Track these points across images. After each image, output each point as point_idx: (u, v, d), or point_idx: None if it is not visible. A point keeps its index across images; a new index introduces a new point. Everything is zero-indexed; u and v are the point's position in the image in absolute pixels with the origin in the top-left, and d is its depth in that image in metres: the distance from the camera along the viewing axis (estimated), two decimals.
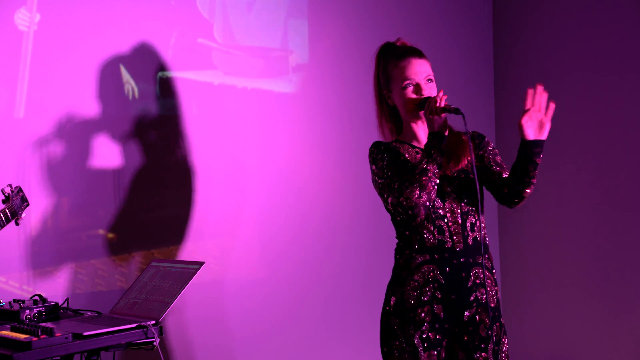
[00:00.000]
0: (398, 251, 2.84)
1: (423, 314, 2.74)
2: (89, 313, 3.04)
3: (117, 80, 3.59)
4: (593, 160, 4.55)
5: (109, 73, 3.56)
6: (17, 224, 2.98)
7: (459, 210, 2.79)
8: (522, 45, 4.87)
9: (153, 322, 2.80)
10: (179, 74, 3.77)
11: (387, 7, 4.52)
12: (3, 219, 2.89)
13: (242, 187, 3.96)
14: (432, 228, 2.76)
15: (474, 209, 2.81)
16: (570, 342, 4.67)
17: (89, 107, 3.50)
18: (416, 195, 2.66)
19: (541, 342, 4.80)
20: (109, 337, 2.69)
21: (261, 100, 4.05)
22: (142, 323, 2.78)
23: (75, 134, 3.46)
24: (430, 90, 2.81)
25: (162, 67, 3.72)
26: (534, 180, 2.79)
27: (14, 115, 3.34)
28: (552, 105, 2.81)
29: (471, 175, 2.82)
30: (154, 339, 2.78)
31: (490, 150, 2.93)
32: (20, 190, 3.03)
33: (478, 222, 2.81)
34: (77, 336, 2.63)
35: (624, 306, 4.42)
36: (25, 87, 3.36)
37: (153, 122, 3.68)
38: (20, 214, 2.99)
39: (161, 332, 2.80)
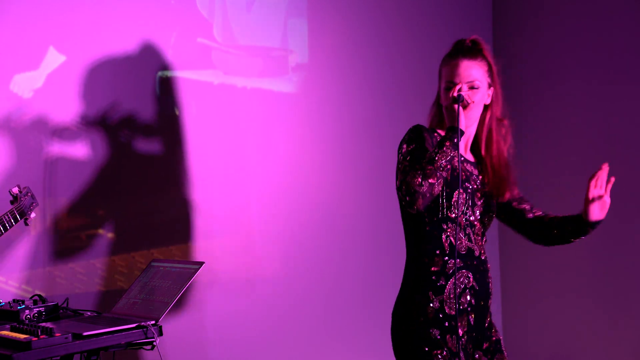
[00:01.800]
0: (425, 254, 2.72)
1: (462, 323, 2.69)
2: (89, 313, 3.04)
3: (117, 80, 3.59)
4: (593, 163, 4.54)
5: (108, 73, 3.56)
6: (26, 224, 3.01)
7: (480, 225, 2.78)
8: (522, 47, 4.86)
9: (153, 322, 2.80)
10: (179, 74, 3.77)
11: (387, 7, 4.52)
12: (11, 219, 2.91)
13: (242, 187, 3.96)
14: (463, 235, 2.71)
15: (486, 229, 2.82)
16: (570, 344, 4.67)
17: (89, 107, 3.50)
18: (417, 182, 2.56)
19: (541, 344, 4.80)
20: (108, 337, 2.69)
21: (261, 100, 4.05)
22: (142, 323, 2.78)
23: (75, 133, 3.46)
24: (471, 97, 2.69)
25: (162, 66, 3.72)
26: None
27: (13, 116, 3.34)
28: (612, 179, 2.82)
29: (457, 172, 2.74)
30: (153, 339, 2.78)
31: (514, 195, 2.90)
32: (29, 190, 3.05)
33: (486, 241, 2.82)
34: (77, 336, 2.63)
35: (624, 309, 4.42)
36: (24, 87, 3.36)
37: (152, 122, 3.68)
38: (29, 214, 3.01)
39: (161, 332, 2.80)
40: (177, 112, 3.76)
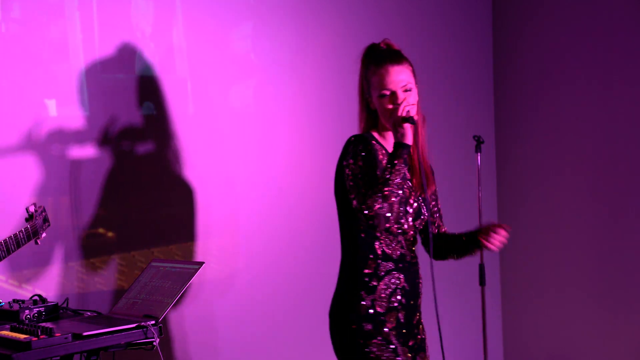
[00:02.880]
0: (360, 258, 2.86)
1: (391, 319, 2.82)
2: (89, 313, 3.04)
3: (117, 79, 3.59)
4: (592, 162, 4.55)
5: (108, 72, 3.56)
6: (36, 243, 3.01)
7: (413, 231, 2.89)
8: (522, 46, 4.86)
9: (153, 322, 2.80)
10: (179, 74, 3.77)
11: (387, 7, 4.51)
12: (25, 236, 2.92)
13: (242, 187, 3.96)
14: (395, 243, 2.84)
15: (418, 231, 2.94)
16: (570, 343, 4.67)
17: (90, 105, 3.50)
18: (377, 206, 2.69)
19: (541, 343, 4.81)
20: (108, 337, 2.70)
21: (261, 100, 4.05)
22: (142, 323, 2.78)
23: (76, 133, 3.46)
24: (407, 99, 2.80)
25: (163, 67, 3.72)
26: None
27: (13, 116, 3.34)
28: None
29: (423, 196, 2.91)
30: (153, 339, 2.78)
31: (436, 193, 3.02)
32: (44, 210, 3.06)
33: (419, 242, 2.97)
34: (77, 336, 2.63)
35: (623, 307, 4.43)
36: (25, 87, 3.37)
37: (153, 122, 3.68)
38: (41, 234, 3.03)
39: (161, 332, 2.81)
40: (177, 113, 3.76)
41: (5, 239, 2.86)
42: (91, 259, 3.50)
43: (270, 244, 4.06)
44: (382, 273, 2.82)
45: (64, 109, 3.44)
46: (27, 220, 2.98)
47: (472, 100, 4.89)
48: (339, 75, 4.32)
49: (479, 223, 3.04)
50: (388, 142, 2.89)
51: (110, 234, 3.57)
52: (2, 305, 2.95)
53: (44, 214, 3.06)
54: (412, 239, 2.88)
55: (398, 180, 2.70)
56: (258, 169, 4.02)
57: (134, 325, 2.77)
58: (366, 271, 2.83)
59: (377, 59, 2.85)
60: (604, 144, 4.49)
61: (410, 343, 2.87)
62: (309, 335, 4.18)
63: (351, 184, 2.79)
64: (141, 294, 3.01)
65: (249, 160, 3.99)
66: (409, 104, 2.76)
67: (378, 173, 2.79)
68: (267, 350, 4.03)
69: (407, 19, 4.60)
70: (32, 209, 3.00)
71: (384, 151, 2.87)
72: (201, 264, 3.00)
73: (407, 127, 2.73)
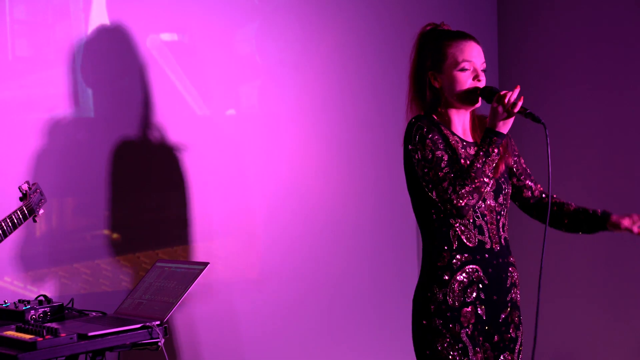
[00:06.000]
0: (433, 250, 2.69)
1: (468, 315, 2.66)
2: (94, 313, 3.04)
3: (122, 81, 3.59)
4: (598, 164, 4.55)
5: (110, 72, 3.57)
6: (34, 220, 2.96)
7: (494, 212, 2.70)
8: (526, 48, 4.86)
9: (158, 322, 2.80)
10: (182, 75, 3.78)
11: (391, 7, 4.51)
12: (20, 217, 2.87)
13: (246, 188, 3.96)
14: (472, 228, 2.67)
15: (504, 209, 2.74)
16: (577, 342, 4.66)
17: (94, 107, 3.50)
18: (469, 198, 2.54)
19: (548, 342, 4.80)
20: (113, 337, 2.70)
21: (267, 101, 4.05)
22: (147, 323, 2.78)
23: (80, 134, 3.47)
24: (484, 81, 2.67)
25: (168, 68, 3.73)
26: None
27: (18, 118, 3.34)
28: None
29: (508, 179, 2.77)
30: (158, 339, 2.78)
31: (519, 155, 2.86)
32: (38, 187, 3.01)
33: (507, 222, 2.76)
34: (82, 336, 2.63)
35: (630, 307, 4.42)
36: (26, 87, 3.37)
37: (157, 123, 3.68)
38: (38, 211, 2.97)
39: (166, 332, 2.81)
40: (180, 113, 3.77)
41: (0, 222, 2.80)
42: (96, 260, 3.51)
43: (276, 244, 4.06)
44: (456, 266, 2.65)
45: (69, 110, 3.44)
46: (21, 199, 2.92)
47: None
48: (344, 76, 4.32)
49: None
50: (453, 124, 2.72)
51: (115, 235, 3.57)
52: (7, 306, 2.95)
53: (38, 190, 3.00)
54: (495, 222, 2.68)
55: (489, 170, 2.56)
56: (263, 170, 4.02)
57: (139, 325, 2.77)
58: (439, 264, 2.66)
59: (455, 34, 2.72)
60: (610, 145, 4.49)
61: (496, 339, 2.71)
62: (313, 337, 4.18)
63: (425, 170, 2.61)
64: (146, 294, 3.01)
65: (254, 161, 3.99)
66: (480, 73, 2.63)
67: (463, 162, 2.63)
68: (272, 350, 4.03)
69: (411, 20, 4.59)
70: (25, 187, 2.93)
71: (456, 137, 2.70)
72: (206, 264, 3.00)
73: (512, 118, 2.56)
